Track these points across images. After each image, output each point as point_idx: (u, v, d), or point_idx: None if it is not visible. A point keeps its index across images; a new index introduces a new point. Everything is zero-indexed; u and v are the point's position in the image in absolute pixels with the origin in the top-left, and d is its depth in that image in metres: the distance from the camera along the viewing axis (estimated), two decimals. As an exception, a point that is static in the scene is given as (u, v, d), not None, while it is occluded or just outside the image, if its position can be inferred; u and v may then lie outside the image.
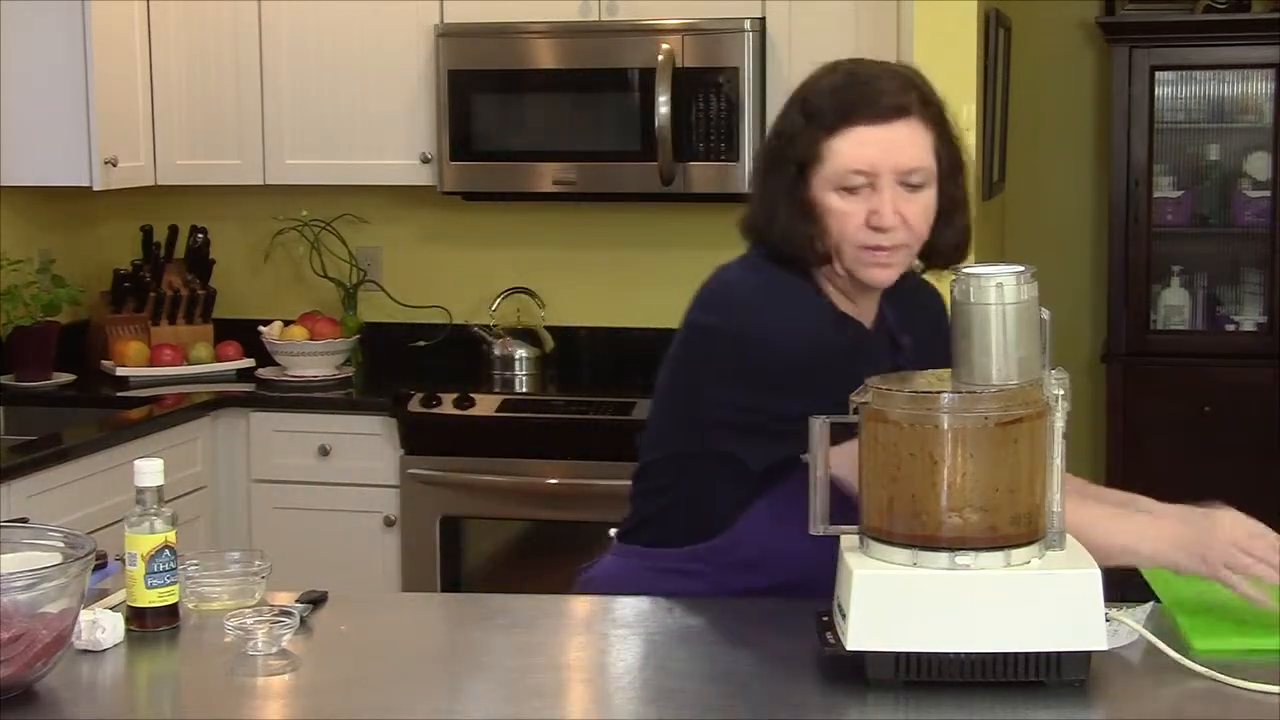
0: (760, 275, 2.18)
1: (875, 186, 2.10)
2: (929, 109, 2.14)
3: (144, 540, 2.09)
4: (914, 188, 2.12)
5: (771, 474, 2.14)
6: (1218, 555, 2.03)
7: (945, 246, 2.20)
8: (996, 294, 1.84)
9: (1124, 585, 2.16)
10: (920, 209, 2.13)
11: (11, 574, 1.87)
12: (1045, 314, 1.88)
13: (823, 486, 1.94)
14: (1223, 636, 1.98)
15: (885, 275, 2.16)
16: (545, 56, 4.38)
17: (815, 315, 2.15)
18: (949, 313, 1.93)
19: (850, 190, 2.10)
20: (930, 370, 1.97)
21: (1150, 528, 2.11)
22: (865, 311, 2.25)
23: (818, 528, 1.95)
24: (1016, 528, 1.85)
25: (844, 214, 2.11)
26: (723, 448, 2.16)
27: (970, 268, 1.88)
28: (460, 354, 4.73)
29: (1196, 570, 2.04)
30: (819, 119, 2.11)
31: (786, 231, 2.14)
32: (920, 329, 2.27)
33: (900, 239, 2.13)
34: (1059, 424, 1.86)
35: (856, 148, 2.10)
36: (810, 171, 2.12)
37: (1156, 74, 4.90)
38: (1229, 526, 2.05)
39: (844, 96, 2.11)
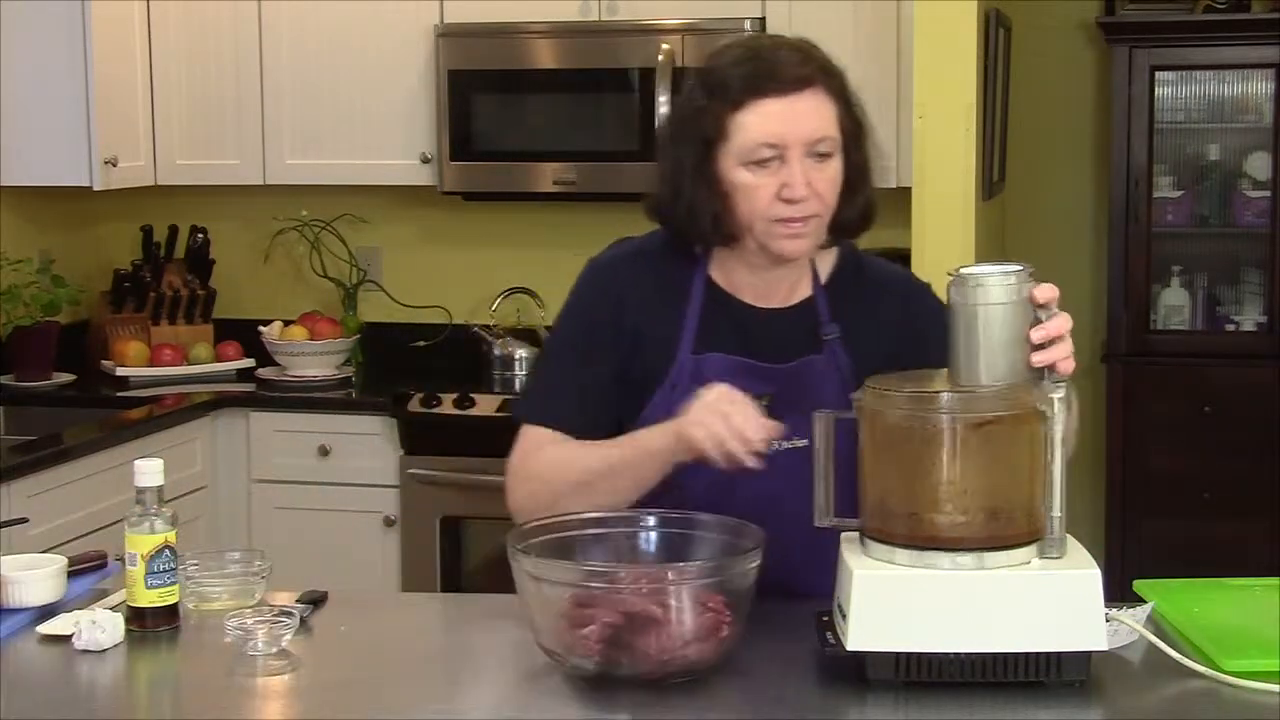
0: (611, 250, 2.30)
1: (785, 159, 2.11)
2: (831, 79, 2.15)
3: (144, 540, 2.09)
4: (822, 157, 2.13)
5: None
6: (692, 418, 2.02)
7: (852, 216, 2.20)
8: (983, 294, 1.84)
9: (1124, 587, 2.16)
10: (829, 178, 2.14)
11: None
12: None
13: (826, 479, 1.95)
14: (1253, 657, 1.90)
15: (797, 246, 2.16)
16: (545, 56, 4.38)
17: (592, 284, 2.26)
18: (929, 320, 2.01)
19: (759, 164, 2.11)
20: (932, 370, 1.97)
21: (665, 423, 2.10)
22: (773, 292, 2.24)
23: (823, 520, 1.96)
24: (1016, 528, 1.85)
25: (754, 188, 2.12)
26: None
27: (967, 267, 1.88)
28: (460, 354, 4.73)
29: (697, 440, 2.01)
30: (723, 94, 2.12)
31: (693, 208, 2.15)
32: (860, 327, 2.24)
33: (812, 209, 2.13)
34: (1057, 428, 1.86)
35: (763, 121, 2.10)
36: (716, 148, 2.13)
37: (1156, 74, 4.90)
38: (706, 394, 2.04)
39: (747, 70, 2.13)
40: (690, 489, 2.13)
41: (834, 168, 2.14)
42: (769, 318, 2.23)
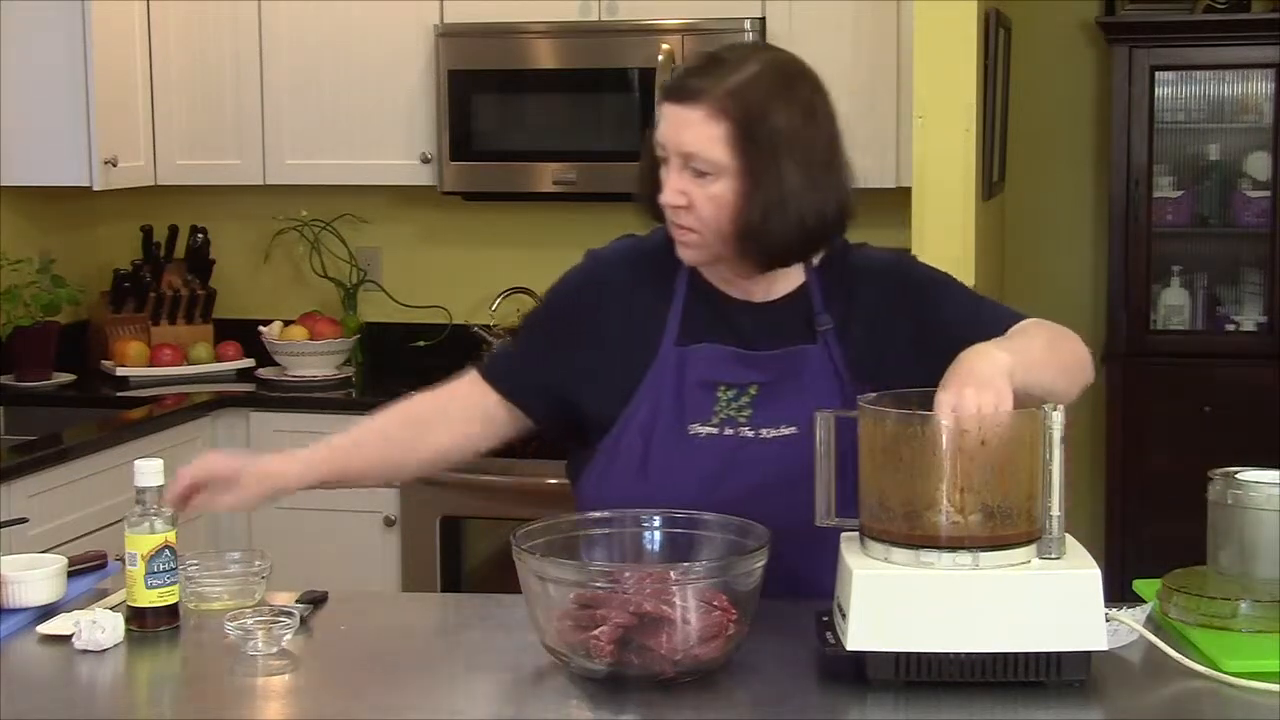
0: (612, 245, 2.37)
1: (667, 163, 2.15)
2: (736, 101, 2.08)
3: (144, 540, 2.10)
4: (699, 174, 2.11)
5: (593, 434, 2.24)
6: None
7: (775, 242, 2.12)
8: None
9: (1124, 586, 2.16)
10: (707, 198, 2.11)
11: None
12: None
13: (828, 479, 1.95)
14: (1253, 657, 1.90)
15: (684, 254, 2.19)
16: (545, 56, 4.38)
17: (582, 273, 2.36)
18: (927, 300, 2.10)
19: (663, 161, 2.15)
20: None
21: None
22: (753, 288, 2.22)
23: (824, 520, 1.96)
24: (1016, 528, 1.85)
25: (662, 184, 2.16)
26: None
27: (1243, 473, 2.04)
28: (460, 354, 4.72)
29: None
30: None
31: (642, 197, 2.22)
32: (852, 317, 2.21)
33: (687, 222, 2.14)
34: (1056, 430, 1.86)
35: (661, 122, 2.15)
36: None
37: (1156, 74, 4.90)
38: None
39: (678, 72, 2.19)
40: (681, 481, 2.14)
41: (715, 190, 2.10)
42: (760, 310, 2.23)
